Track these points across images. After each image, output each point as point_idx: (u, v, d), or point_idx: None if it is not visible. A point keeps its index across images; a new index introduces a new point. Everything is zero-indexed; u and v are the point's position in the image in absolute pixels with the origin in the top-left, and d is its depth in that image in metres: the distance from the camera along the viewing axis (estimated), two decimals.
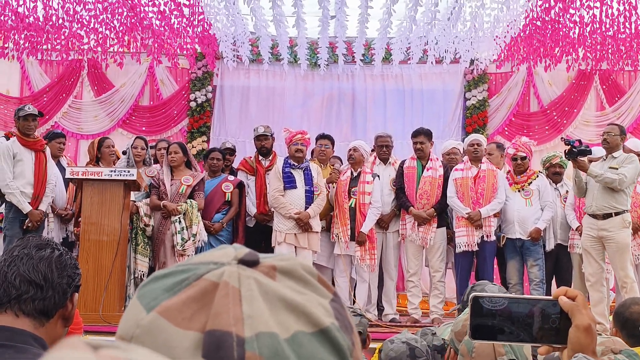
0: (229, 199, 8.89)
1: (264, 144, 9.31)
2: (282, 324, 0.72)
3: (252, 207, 9.17)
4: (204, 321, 0.71)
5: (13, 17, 10.50)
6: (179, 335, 0.71)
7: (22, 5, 10.09)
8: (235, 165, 9.77)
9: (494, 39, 11.28)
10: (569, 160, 7.91)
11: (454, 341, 2.47)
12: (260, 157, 9.36)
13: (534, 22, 10.32)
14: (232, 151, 9.91)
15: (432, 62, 11.60)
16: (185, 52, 11.90)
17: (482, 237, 8.42)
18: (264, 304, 0.73)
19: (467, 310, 1.56)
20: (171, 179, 8.55)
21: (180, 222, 8.31)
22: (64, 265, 2.10)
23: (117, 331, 0.77)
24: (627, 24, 9.88)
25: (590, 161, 8.15)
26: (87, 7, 10.12)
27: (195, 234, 8.29)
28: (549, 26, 10.18)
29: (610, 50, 10.96)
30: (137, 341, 0.73)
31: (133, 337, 0.73)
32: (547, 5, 9.71)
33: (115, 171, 7.94)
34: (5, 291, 2.03)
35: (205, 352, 0.70)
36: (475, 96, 12.27)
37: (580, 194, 8.06)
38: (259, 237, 9.16)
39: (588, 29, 10.22)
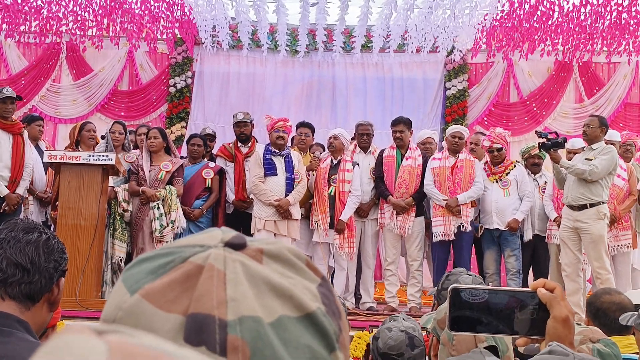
0: (209, 186, 8.87)
1: (243, 131, 9.28)
2: (267, 307, 0.71)
3: (230, 194, 9.15)
4: (187, 304, 0.71)
5: None
6: (162, 318, 0.71)
7: None
8: (214, 151, 9.73)
9: (474, 27, 11.29)
10: (542, 152, 7.99)
11: (436, 329, 2.47)
12: (239, 144, 9.34)
13: (513, 9, 10.34)
14: (212, 137, 9.88)
15: (412, 51, 11.60)
16: (164, 37, 11.82)
17: (459, 226, 8.45)
18: (249, 287, 0.72)
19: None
20: (150, 165, 8.51)
21: (159, 208, 8.28)
22: (51, 249, 2.08)
23: (101, 314, 0.76)
24: (605, 14, 9.94)
25: (575, 153, 8.22)
26: None
27: (174, 221, 8.27)
28: (527, 13, 10.21)
29: (589, 40, 11.02)
30: (120, 324, 0.72)
31: (116, 319, 0.73)
32: None
33: (93, 155, 7.88)
34: None
35: (186, 335, 0.69)
36: (455, 86, 12.30)
37: (560, 185, 8.12)
38: (237, 223, 9.13)
39: (567, 17, 10.27)
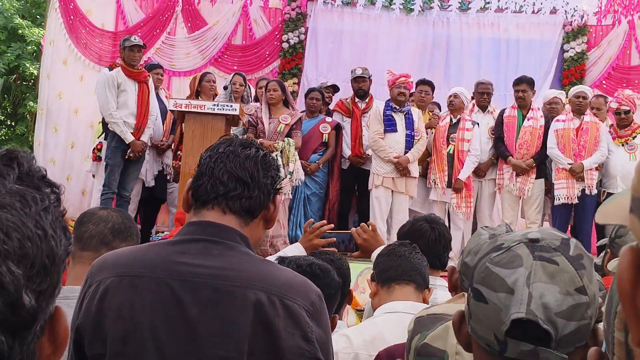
0: (326, 140, 8.88)
1: (361, 86, 9.25)
2: None
3: (346, 149, 9.15)
4: None
5: None
6: None
7: None
8: (331, 107, 9.73)
9: None
10: None
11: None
12: (357, 99, 9.31)
13: None
14: (336, 88, 9.86)
15: (528, 12, 11.32)
16: None
17: (583, 190, 8.26)
18: None
19: None
20: (269, 117, 8.55)
21: (276, 160, 8.32)
22: (268, 165, 2.07)
23: None
24: None
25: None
26: None
27: (292, 172, 8.31)
28: None
29: None
30: None
31: None
32: None
33: (217, 105, 7.99)
34: (212, 187, 2.00)
35: None
36: (574, 48, 11.95)
37: None
38: (353, 179, 9.17)
39: None
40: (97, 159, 9.14)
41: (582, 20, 11.84)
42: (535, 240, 1.33)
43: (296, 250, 3.53)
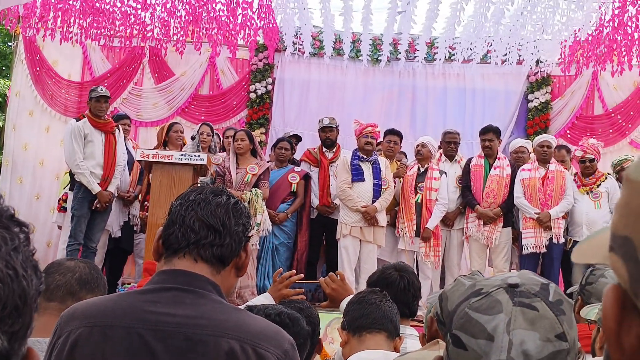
0: (295, 190, 8.87)
1: (328, 136, 9.28)
2: None
3: (314, 199, 9.15)
4: None
5: (83, 4, 10.59)
6: None
7: None
8: (297, 156, 9.74)
9: (561, 42, 11.16)
10: None
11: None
12: (325, 149, 9.34)
13: (605, 25, 10.18)
14: (298, 138, 9.90)
15: (495, 63, 11.48)
16: (247, 43, 11.88)
17: (551, 238, 8.32)
18: None
19: None
20: (237, 167, 8.53)
21: (247, 207, 8.28)
22: (240, 212, 2.06)
23: None
24: None
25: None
26: None
27: (260, 223, 8.26)
28: (620, 30, 10.02)
29: None
30: None
31: None
32: (619, 5, 9.58)
33: (185, 155, 7.97)
34: (183, 235, 1.99)
35: None
36: (538, 98, 12.12)
37: None
38: (320, 228, 9.14)
39: None
40: (62, 209, 9.07)
41: (545, 71, 12.02)
42: (514, 286, 1.32)
43: (265, 300, 3.49)
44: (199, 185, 2.15)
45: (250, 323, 1.94)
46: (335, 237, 8.58)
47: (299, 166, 9.25)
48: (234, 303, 7.38)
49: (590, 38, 10.76)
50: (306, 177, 9.03)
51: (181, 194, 2.11)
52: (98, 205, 8.21)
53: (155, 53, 12.43)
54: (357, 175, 8.39)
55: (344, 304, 3.38)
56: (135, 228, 9.27)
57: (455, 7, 9.72)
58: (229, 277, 2.06)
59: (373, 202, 8.33)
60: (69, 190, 8.64)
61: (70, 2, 10.65)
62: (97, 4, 10.73)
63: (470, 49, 11.26)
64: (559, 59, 11.64)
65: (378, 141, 9.03)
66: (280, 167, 9.02)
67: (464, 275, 2.18)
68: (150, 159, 7.97)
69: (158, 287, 1.95)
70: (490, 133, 8.77)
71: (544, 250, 8.30)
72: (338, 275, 3.70)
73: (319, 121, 9.46)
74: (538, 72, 12.06)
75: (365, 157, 8.43)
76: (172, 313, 1.88)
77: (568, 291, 4.17)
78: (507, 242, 8.64)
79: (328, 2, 10.13)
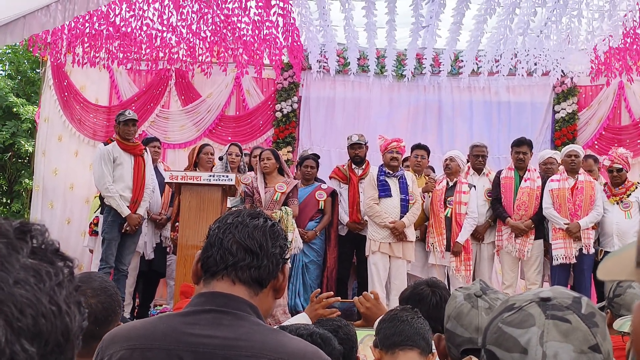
0: (322, 207, 8.87)
1: (357, 153, 9.28)
2: None
3: (344, 216, 9.14)
4: None
5: (110, 28, 10.70)
6: None
7: (119, 15, 10.26)
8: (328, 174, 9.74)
9: (587, 52, 11.09)
10: None
11: None
12: (354, 166, 9.34)
13: (631, 35, 10.12)
14: (317, 157, 9.94)
15: (521, 75, 11.42)
16: (273, 62, 11.93)
17: (581, 249, 8.25)
18: None
19: None
20: (265, 187, 8.55)
21: (284, 229, 8.28)
22: (277, 235, 2.08)
23: None
24: None
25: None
26: (182, 16, 10.22)
27: (291, 241, 8.26)
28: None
29: None
30: None
31: None
32: None
33: (214, 176, 7.98)
34: (221, 257, 2.01)
35: None
36: (565, 109, 12.05)
37: None
38: (351, 245, 9.13)
39: None
40: (93, 233, 9.14)
41: (573, 82, 11.95)
42: (546, 300, 1.32)
43: (302, 319, 3.51)
44: (236, 208, 2.17)
45: (288, 344, 1.94)
46: (365, 253, 8.57)
47: (325, 184, 9.25)
48: (267, 323, 7.39)
49: (619, 46, 10.68)
50: (333, 194, 9.03)
51: (219, 217, 2.14)
52: (128, 228, 8.26)
53: (182, 75, 12.53)
54: (384, 191, 8.38)
55: (377, 323, 3.39)
56: (167, 250, 9.31)
57: (479, 20, 9.69)
58: (267, 299, 2.08)
59: (401, 217, 8.32)
60: (100, 213, 8.72)
61: (97, 28, 10.77)
62: (123, 28, 10.84)
63: (497, 60, 11.22)
64: (589, 72, 11.56)
65: (404, 156, 9.03)
66: (306, 184, 9.03)
67: (460, 288, 2.18)
68: (179, 181, 8.00)
69: (197, 309, 1.97)
70: (524, 146, 8.77)
71: (574, 260, 8.24)
72: (372, 295, 3.72)
73: (348, 138, 9.46)
74: (564, 83, 11.99)
75: (391, 172, 8.43)
76: (211, 335, 1.89)
77: (597, 306, 4.13)
78: (539, 255, 8.59)
79: (351, 19, 10.14)
